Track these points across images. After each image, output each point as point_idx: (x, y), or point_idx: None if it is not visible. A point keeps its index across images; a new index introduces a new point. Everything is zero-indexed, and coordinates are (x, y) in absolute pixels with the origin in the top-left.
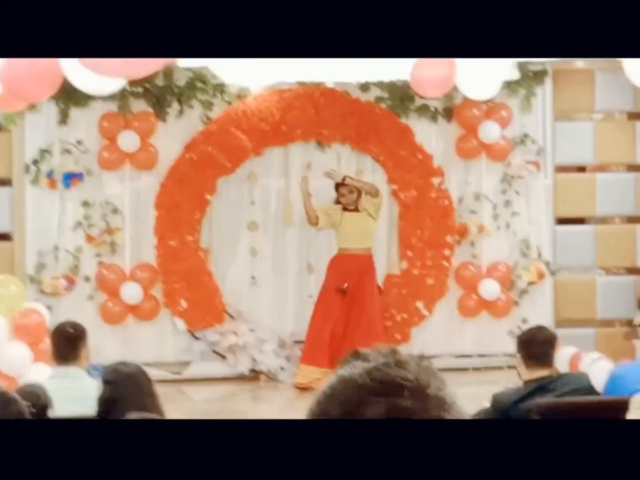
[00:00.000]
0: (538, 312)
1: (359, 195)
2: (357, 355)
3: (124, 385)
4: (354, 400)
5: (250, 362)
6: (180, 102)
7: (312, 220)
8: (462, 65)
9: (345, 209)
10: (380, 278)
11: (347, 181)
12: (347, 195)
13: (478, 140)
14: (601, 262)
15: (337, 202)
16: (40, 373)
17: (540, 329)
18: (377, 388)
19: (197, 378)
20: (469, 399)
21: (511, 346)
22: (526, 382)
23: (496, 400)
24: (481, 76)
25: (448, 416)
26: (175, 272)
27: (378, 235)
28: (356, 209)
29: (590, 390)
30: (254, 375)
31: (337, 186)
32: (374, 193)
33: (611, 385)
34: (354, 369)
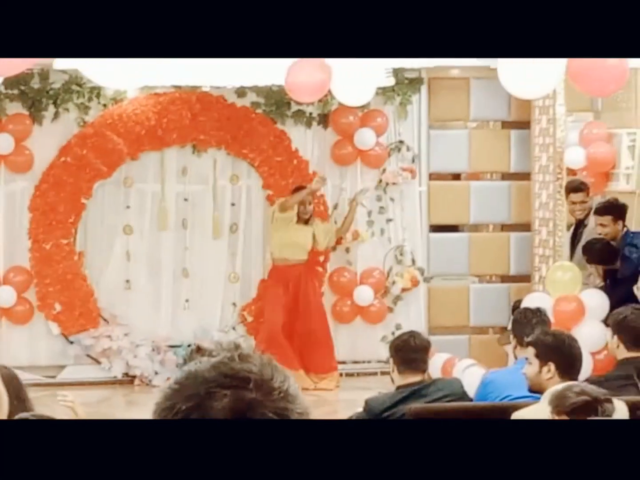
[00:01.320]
0: (412, 318)
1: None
2: (201, 351)
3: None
4: (201, 394)
5: (125, 367)
6: (56, 105)
7: (289, 206)
8: (336, 70)
9: (298, 219)
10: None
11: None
12: (307, 205)
13: (353, 147)
14: (474, 270)
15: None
16: None
17: (413, 335)
18: (223, 381)
19: (72, 382)
20: (343, 404)
21: (385, 352)
22: (399, 388)
23: (369, 406)
24: (355, 82)
25: (292, 407)
26: (49, 276)
27: (254, 240)
28: (306, 222)
29: (463, 395)
30: (128, 379)
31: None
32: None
33: (482, 391)
34: (199, 365)
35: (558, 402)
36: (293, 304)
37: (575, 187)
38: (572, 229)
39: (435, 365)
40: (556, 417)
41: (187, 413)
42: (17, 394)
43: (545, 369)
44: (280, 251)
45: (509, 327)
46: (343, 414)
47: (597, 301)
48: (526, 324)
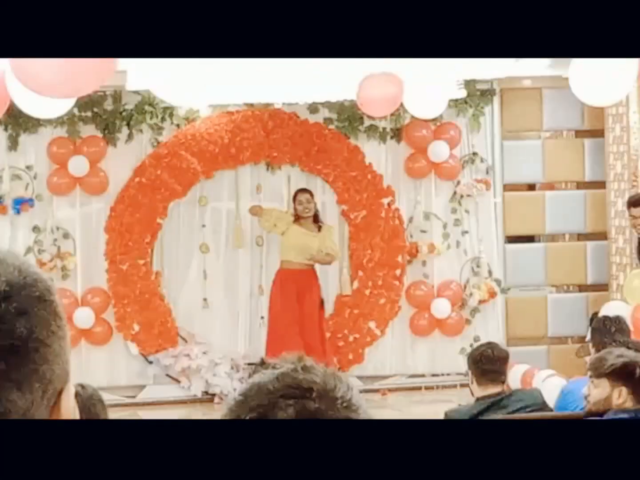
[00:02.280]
0: (490, 330)
1: (317, 213)
2: (265, 364)
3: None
4: (265, 405)
5: (204, 385)
6: (129, 126)
7: (258, 212)
8: (408, 83)
9: (297, 218)
10: (331, 299)
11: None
12: (305, 203)
13: (427, 160)
14: (552, 280)
15: (295, 215)
16: None
17: (491, 346)
18: (287, 392)
19: (151, 402)
20: (423, 417)
21: (463, 364)
22: (478, 400)
23: (449, 418)
24: (428, 95)
25: (356, 417)
26: (127, 296)
27: None
28: (316, 224)
29: (543, 406)
30: (208, 398)
31: (296, 193)
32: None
33: (563, 401)
34: (263, 376)
35: (598, 364)
36: (297, 309)
37: (636, 201)
38: (638, 240)
39: (514, 376)
40: (595, 381)
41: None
42: (91, 414)
43: (615, 393)
44: (284, 254)
45: (588, 338)
46: None
47: None
48: (605, 333)
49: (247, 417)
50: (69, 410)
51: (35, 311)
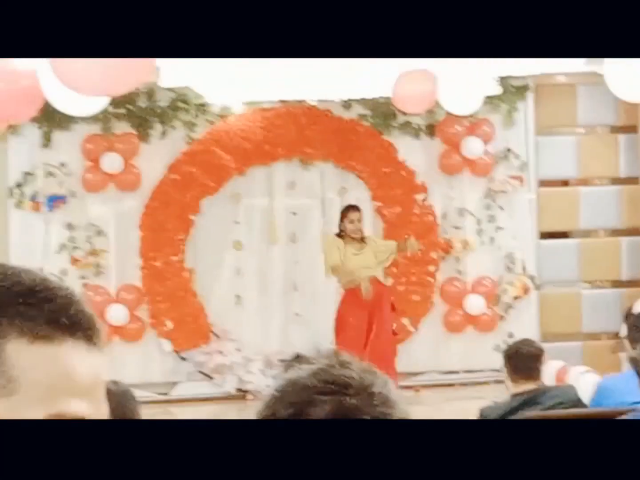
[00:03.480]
0: (524, 326)
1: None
2: (301, 359)
3: (112, 405)
4: (302, 401)
5: (237, 382)
6: (162, 122)
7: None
8: (443, 80)
9: (346, 236)
10: None
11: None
12: (356, 222)
13: (461, 156)
14: (586, 276)
15: (340, 232)
16: None
17: (526, 342)
18: (323, 388)
19: (184, 398)
20: (457, 414)
21: (498, 361)
22: (513, 396)
23: (483, 415)
24: (463, 91)
25: (393, 413)
26: (160, 293)
27: None
28: (361, 240)
29: (578, 403)
30: (241, 394)
31: (347, 210)
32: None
33: (598, 398)
34: (300, 372)
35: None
36: (367, 326)
37: None
38: None
39: (549, 373)
40: None
41: (290, 419)
42: (124, 411)
43: None
44: (347, 282)
45: (621, 333)
46: None
47: None
48: None
49: (284, 414)
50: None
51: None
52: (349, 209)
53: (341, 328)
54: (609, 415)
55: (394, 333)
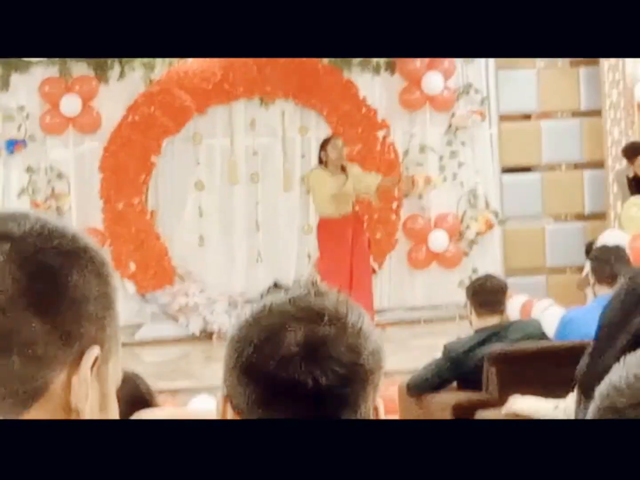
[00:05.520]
0: (488, 261)
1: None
2: (278, 287)
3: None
4: (275, 326)
5: (202, 323)
6: (121, 64)
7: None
8: None
9: (325, 166)
10: None
11: None
12: (339, 149)
13: (422, 92)
14: (549, 210)
15: (320, 162)
16: None
17: (489, 277)
18: (298, 315)
19: (150, 340)
20: (422, 350)
21: (462, 297)
22: (477, 331)
23: (448, 350)
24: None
25: (365, 344)
26: (123, 235)
27: None
28: (342, 169)
29: (542, 336)
30: (207, 335)
31: (327, 140)
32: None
33: (562, 330)
34: (276, 298)
35: None
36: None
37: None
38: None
39: (514, 307)
40: None
41: (261, 344)
42: (133, 400)
43: None
44: (327, 208)
45: (586, 271)
46: (422, 361)
47: None
48: (605, 262)
49: (256, 339)
50: (85, 378)
51: (78, 264)
52: (331, 137)
53: (324, 260)
54: (572, 348)
55: (372, 270)
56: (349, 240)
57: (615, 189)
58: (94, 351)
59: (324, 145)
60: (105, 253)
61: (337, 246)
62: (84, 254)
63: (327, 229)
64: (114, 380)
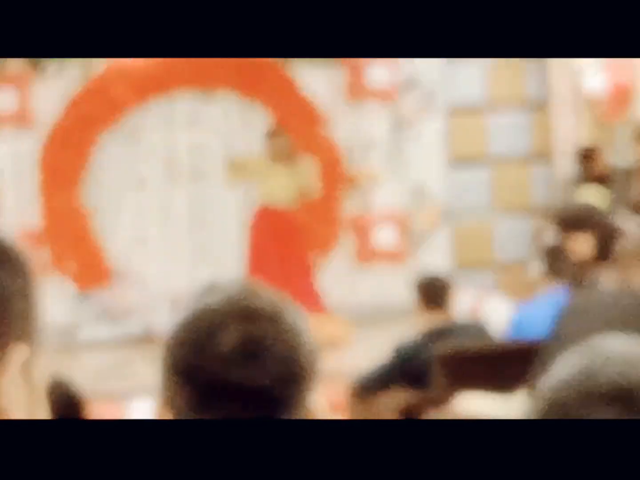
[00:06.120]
0: (436, 257)
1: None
2: (213, 287)
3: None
4: (211, 327)
5: (143, 323)
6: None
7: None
8: None
9: (270, 155)
10: None
11: None
12: (282, 142)
13: (366, 85)
14: (497, 204)
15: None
16: None
17: (434, 275)
18: (233, 315)
19: (89, 341)
20: (370, 349)
21: (409, 294)
22: (425, 331)
23: (397, 349)
24: None
25: (302, 342)
26: (61, 234)
27: None
28: (286, 160)
29: (488, 334)
30: (148, 336)
31: (270, 133)
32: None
33: (514, 330)
34: (211, 298)
35: None
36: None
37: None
38: None
39: (463, 303)
40: None
41: (197, 345)
42: (63, 406)
43: None
44: (263, 197)
45: (531, 271)
46: (370, 360)
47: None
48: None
49: (193, 339)
50: (14, 377)
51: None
52: (275, 129)
53: (253, 256)
54: (521, 347)
55: (309, 265)
56: (285, 233)
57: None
58: (23, 350)
59: (268, 136)
60: (44, 252)
61: (271, 238)
62: (4, 250)
63: (262, 219)
64: (41, 378)
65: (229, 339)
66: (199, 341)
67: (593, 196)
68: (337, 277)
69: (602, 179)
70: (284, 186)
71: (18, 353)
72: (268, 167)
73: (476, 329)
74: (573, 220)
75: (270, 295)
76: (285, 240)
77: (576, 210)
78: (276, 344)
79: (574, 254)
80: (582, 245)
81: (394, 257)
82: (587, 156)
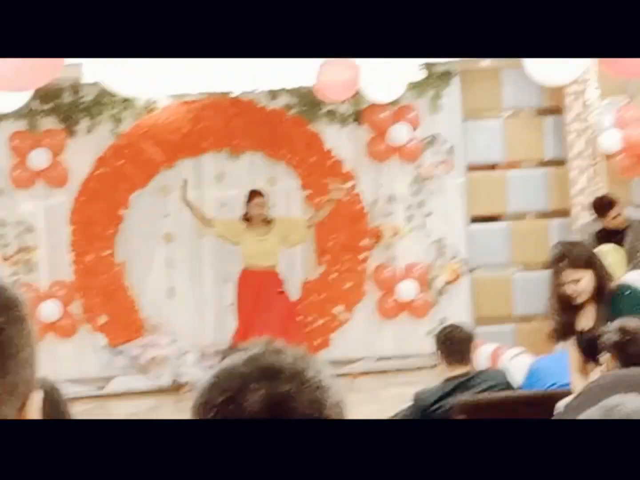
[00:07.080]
0: (456, 311)
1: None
2: (236, 348)
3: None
4: (235, 388)
5: (173, 374)
6: (88, 117)
7: (204, 222)
8: (365, 67)
9: (248, 221)
10: (297, 284)
11: None
12: (262, 207)
13: (388, 142)
14: (516, 259)
15: (245, 215)
16: None
17: (456, 327)
18: (256, 374)
19: (120, 393)
20: (392, 400)
21: (431, 346)
22: (446, 381)
23: (417, 399)
24: (385, 78)
25: (327, 397)
26: (93, 287)
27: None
28: (267, 223)
29: (508, 385)
30: (177, 387)
31: (252, 195)
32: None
33: (529, 380)
34: (233, 360)
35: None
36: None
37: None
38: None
39: (483, 356)
40: None
41: (223, 407)
42: (54, 409)
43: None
44: (245, 260)
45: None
46: (392, 411)
47: None
48: None
49: (219, 401)
50: (34, 413)
51: (9, 317)
52: (255, 194)
53: (240, 313)
54: (538, 397)
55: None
56: (268, 294)
57: (579, 238)
58: (38, 396)
59: (248, 200)
60: (77, 306)
61: (255, 298)
62: (9, 301)
63: (246, 281)
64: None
65: (253, 398)
66: (225, 403)
67: (611, 255)
68: (362, 329)
69: (618, 231)
70: (260, 251)
71: (35, 399)
72: (243, 231)
73: (496, 380)
74: (581, 258)
75: (291, 351)
76: (266, 297)
77: (582, 249)
78: (301, 399)
79: (575, 292)
80: (584, 282)
81: (416, 310)
82: (604, 205)
